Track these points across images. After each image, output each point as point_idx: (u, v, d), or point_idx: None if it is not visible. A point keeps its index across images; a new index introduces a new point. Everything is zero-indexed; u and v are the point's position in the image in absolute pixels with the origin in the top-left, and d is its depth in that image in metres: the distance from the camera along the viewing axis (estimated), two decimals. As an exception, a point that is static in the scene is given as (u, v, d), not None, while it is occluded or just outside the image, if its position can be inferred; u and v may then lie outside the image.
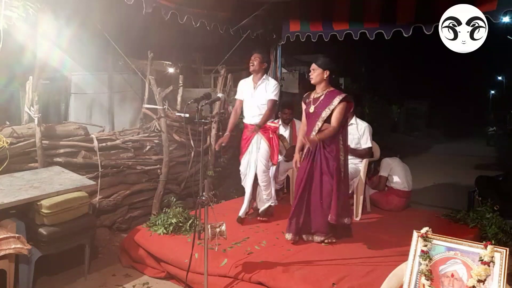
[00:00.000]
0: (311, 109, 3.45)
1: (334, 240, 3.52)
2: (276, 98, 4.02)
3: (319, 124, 3.40)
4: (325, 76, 3.42)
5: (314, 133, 3.41)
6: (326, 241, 3.51)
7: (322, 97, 3.43)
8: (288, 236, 3.50)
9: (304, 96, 3.67)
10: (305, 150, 3.51)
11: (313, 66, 3.44)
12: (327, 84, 3.47)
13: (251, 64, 4.00)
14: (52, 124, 3.97)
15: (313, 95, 3.51)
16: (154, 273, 3.45)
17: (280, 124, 5.18)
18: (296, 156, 3.55)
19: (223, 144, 4.08)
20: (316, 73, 3.43)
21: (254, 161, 4.00)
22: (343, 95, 3.39)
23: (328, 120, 3.38)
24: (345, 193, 3.59)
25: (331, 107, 3.35)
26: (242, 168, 4.13)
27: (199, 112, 2.83)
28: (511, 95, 25.14)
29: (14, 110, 5.40)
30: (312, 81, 3.48)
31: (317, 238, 3.52)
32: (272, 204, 4.26)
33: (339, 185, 3.40)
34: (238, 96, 4.21)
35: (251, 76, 4.12)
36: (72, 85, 6.54)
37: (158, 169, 4.54)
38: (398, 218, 4.34)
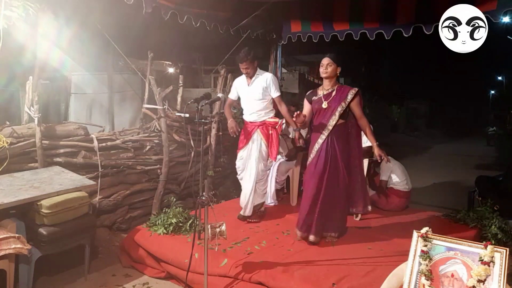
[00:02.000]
0: (324, 105, 3.45)
1: (335, 237, 3.55)
2: (278, 93, 4.01)
3: (334, 118, 3.42)
4: (338, 72, 3.48)
5: (330, 127, 3.43)
6: (332, 236, 3.55)
7: (334, 92, 3.46)
8: (311, 238, 3.45)
9: (307, 94, 3.66)
10: (315, 147, 3.50)
11: (329, 61, 3.43)
12: (336, 80, 3.53)
13: (246, 73, 3.99)
14: (52, 124, 3.97)
15: (322, 92, 3.52)
16: (154, 273, 3.45)
17: (283, 123, 5.18)
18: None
19: (236, 133, 4.07)
20: (331, 68, 3.44)
21: (254, 159, 4.00)
22: (356, 88, 3.48)
23: (342, 116, 3.43)
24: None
25: (347, 101, 3.40)
26: (238, 163, 4.15)
27: (199, 112, 2.83)
28: (511, 95, 25.14)
29: (14, 110, 5.41)
30: (325, 75, 3.46)
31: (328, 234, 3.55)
32: (272, 204, 4.22)
33: (356, 177, 3.53)
34: (230, 95, 4.21)
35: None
36: (72, 85, 6.54)
37: (158, 169, 4.54)
38: (398, 218, 4.33)
